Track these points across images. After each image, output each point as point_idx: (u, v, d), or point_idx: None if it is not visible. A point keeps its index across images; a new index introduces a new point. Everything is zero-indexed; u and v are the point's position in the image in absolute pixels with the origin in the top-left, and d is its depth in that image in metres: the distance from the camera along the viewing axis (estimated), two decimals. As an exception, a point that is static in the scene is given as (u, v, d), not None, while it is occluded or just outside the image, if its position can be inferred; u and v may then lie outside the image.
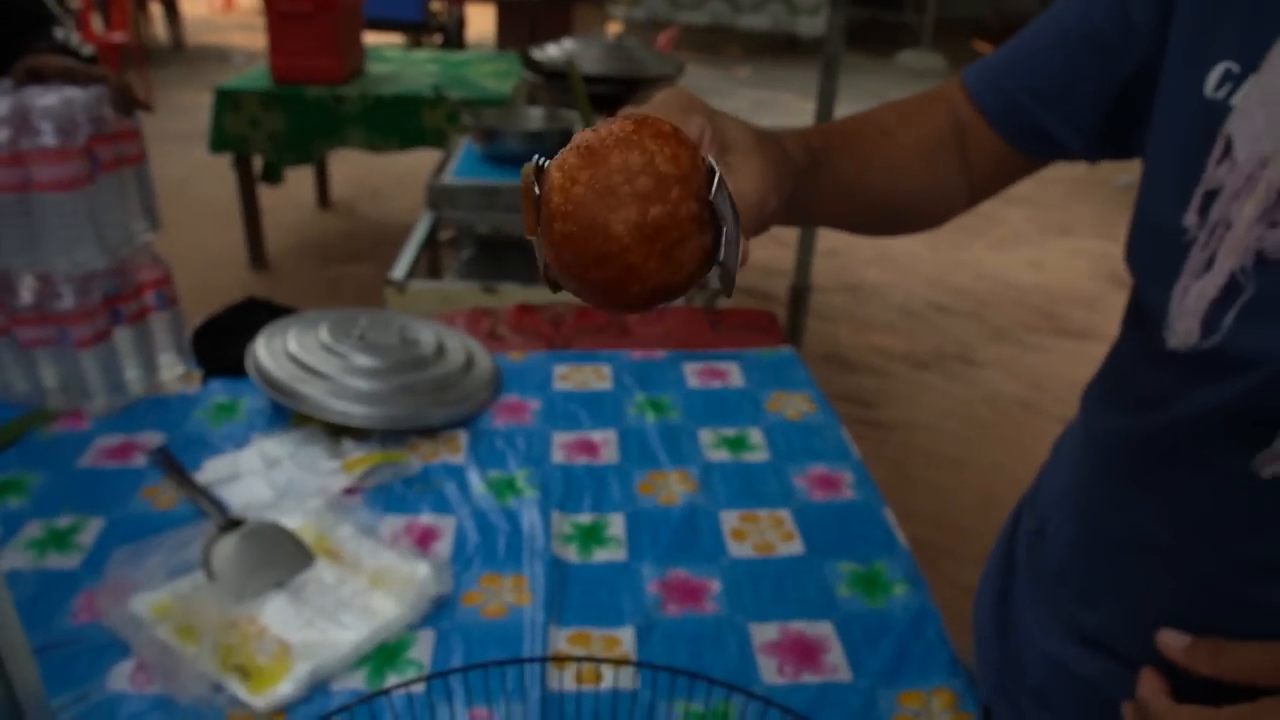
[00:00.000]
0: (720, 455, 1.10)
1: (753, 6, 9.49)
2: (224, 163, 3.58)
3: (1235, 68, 0.53)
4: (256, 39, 8.77)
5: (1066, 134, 0.68)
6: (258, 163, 3.59)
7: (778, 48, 9.94)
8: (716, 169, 0.35)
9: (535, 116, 2.17)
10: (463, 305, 1.51)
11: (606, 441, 1.12)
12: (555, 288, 0.37)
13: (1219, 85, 0.54)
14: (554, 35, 6.28)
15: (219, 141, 3.34)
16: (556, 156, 0.33)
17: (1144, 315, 0.61)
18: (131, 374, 1.19)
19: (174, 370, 1.25)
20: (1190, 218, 0.55)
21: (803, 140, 0.61)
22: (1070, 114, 0.67)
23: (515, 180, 1.57)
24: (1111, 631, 0.65)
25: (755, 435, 1.14)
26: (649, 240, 0.31)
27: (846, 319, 3.52)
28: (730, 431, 1.15)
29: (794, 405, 1.21)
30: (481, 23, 8.36)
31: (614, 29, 8.77)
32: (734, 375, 1.28)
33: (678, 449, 1.11)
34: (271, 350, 1.16)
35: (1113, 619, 0.65)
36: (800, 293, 2.34)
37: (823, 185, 0.64)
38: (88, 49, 1.21)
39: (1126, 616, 0.63)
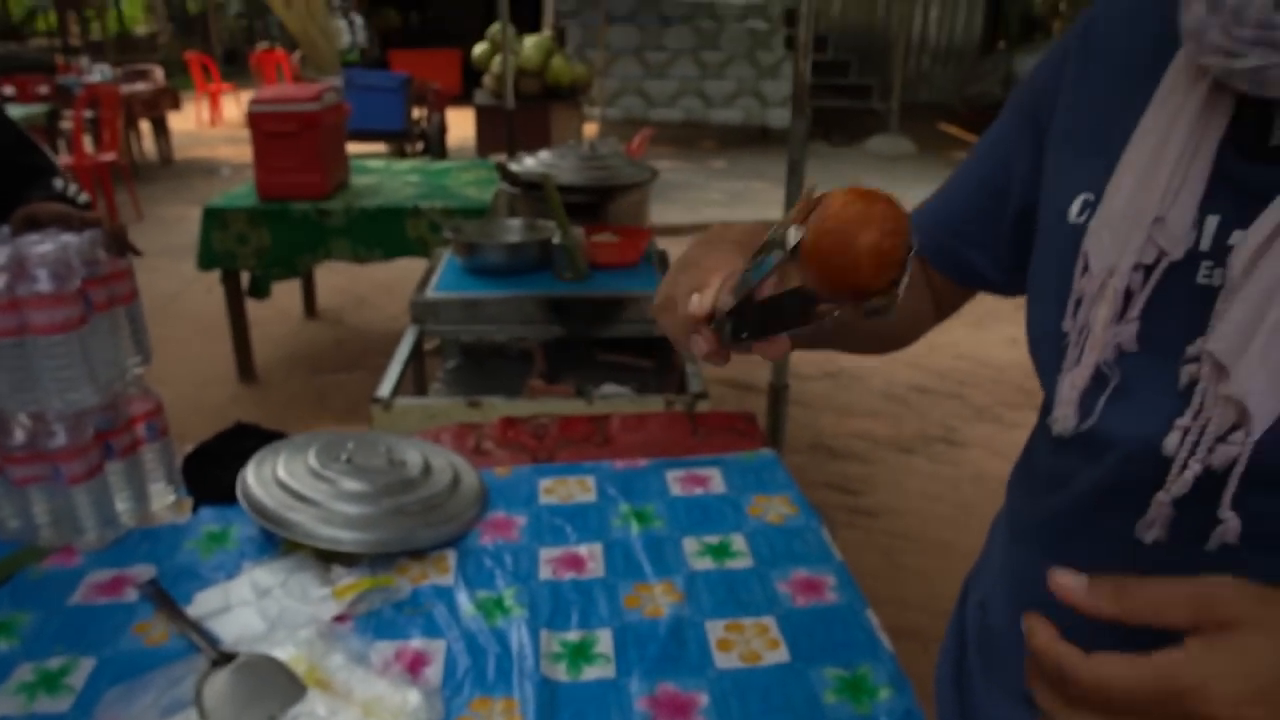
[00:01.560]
0: (704, 564, 1.12)
1: (724, 101, 9.79)
2: (212, 276, 3.64)
3: (1090, 196, 0.66)
4: (244, 151, 8.96)
5: (988, 268, 0.80)
6: (245, 277, 3.65)
7: (750, 139, 10.23)
8: (914, 245, 0.47)
9: (514, 228, 2.24)
10: (448, 420, 1.54)
11: (592, 555, 1.14)
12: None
13: (1080, 212, 0.66)
14: (532, 137, 6.49)
15: (207, 259, 3.41)
16: (839, 190, 0.46)
17: (1045, 408, 0.72)
18: (123, 506, 1.21)
19: (164, 500, 1.26)
20: (1067, 323, 0.65)
21: None
22: (986, 251, 0.79)
23: (496, 292, 1.62)
24: None
25: (738, 541, 1.16)
26: (874, 257, 0.44)
27: (829, 406, 3.56)
28: (713, 539, 1.17)
29: (775, 509, 1.24)
30: (462, 126, 8.59)
31: (590, 128, 9.03)
32: (715, 481, 1.31)
33: (662, 559, 1.13)
34: (261, 478, 1.18)
35: None
36: (779, 390, 2.39)
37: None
38: (84, 196, 1.27)
39: None
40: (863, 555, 2.57)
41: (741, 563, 1.12)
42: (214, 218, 3.36)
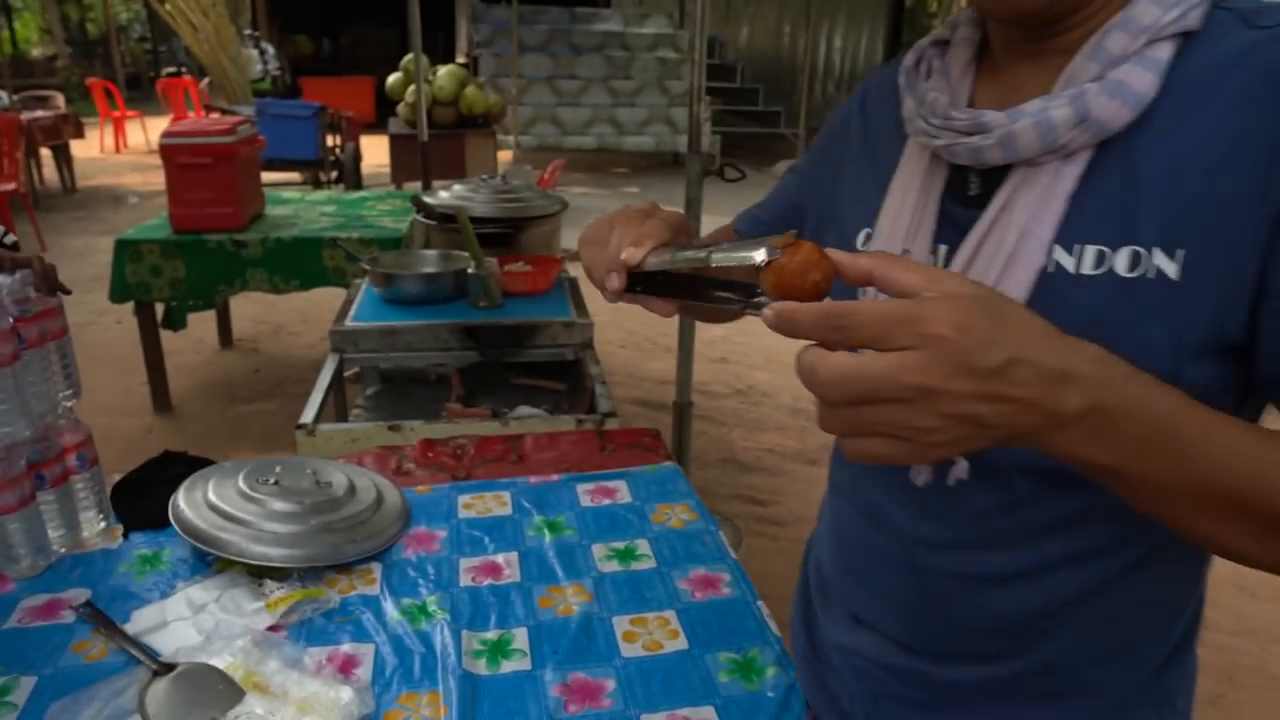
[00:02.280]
0: (611, 566, 1.23)
1: (636, 128, 10.00)
2: (122, 307, 3.61)
3: (869, 230, 0.85)
4: (151, 178, 8.82)
5: None
6: (160, 308, 3.64)
7: (662, 165, 10.46)
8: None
9: (430, 258, 2.33)
10: (371, 444, 1.62)
11: (509, 562, 1.23)
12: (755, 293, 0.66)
13: (863, 243, 0.86)
14: (447, 166, 6.55)
15: (120, 292, 3.39)
16: (807, 242, 0.59)
17: None
18: (55, 534, 1.26)
19: (95, 527, 1.32)
20: None
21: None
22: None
23: (414, 321, 1.72)
24: (870, 613, 0.90)
25: (643, 545, 1.27)
26: (814, 287, 0.58)
27: (740, 422, 3.71)
28: (620, 544, 1.28)
29: (677, 515, 1.35)
30: (377, 154, 8.60)
31: (505, 156, 9.12)
32: (622, 492, 1.42)
33: (573, 563, 1.23)
34: (192, 501, 1.25)
35: (867, 603, 0.90)
36: (683, 408, 2.52)
37: None
38: (10, 237, 1.32)
39: (872, 599, 0.89)
40: (770, 560, 2.70)
41: (645, 564, 1.23)
42: (127, 250, 3.35)
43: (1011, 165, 0.72)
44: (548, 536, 1.30)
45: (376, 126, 9.62)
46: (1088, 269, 0.68)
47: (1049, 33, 0.73)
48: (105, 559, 1.25)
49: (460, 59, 9.66)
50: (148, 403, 3.73)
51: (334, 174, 7.07)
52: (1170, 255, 0.65)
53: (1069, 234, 0.69)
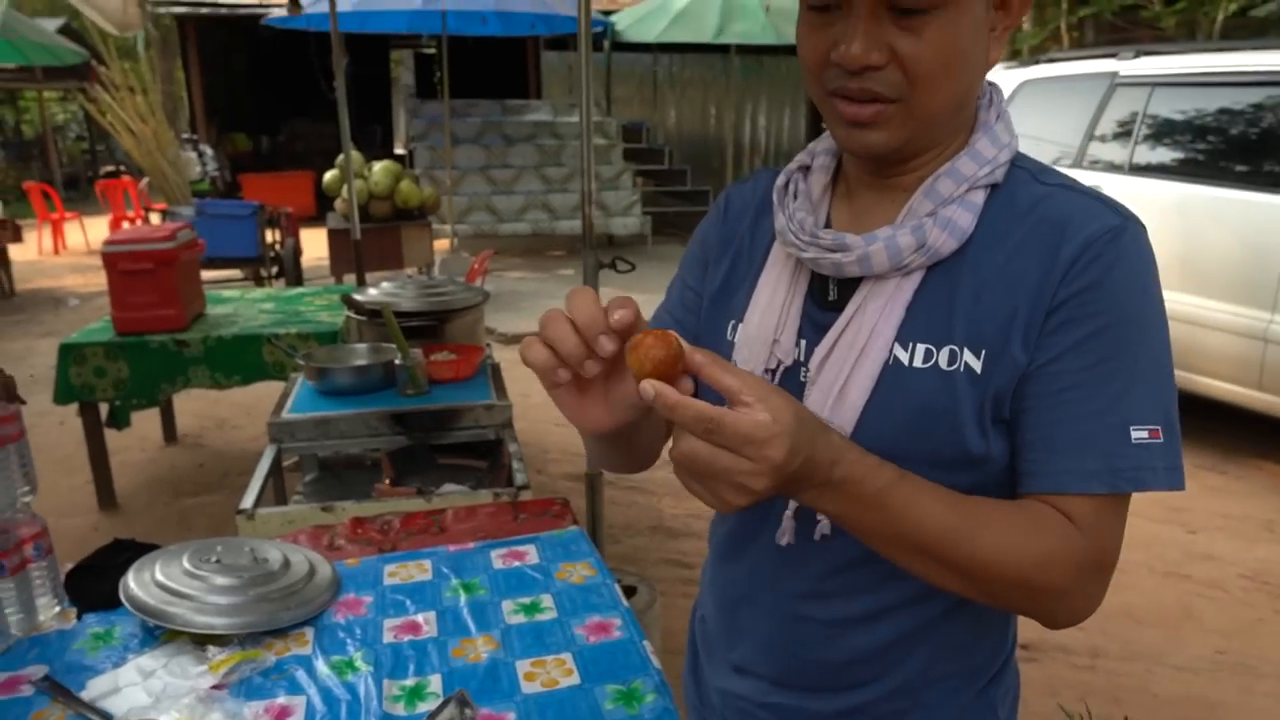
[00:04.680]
0: (518, 619, 1.40)
1: (569, 213, 10.31)
2: (65, 409, 3.71)
3: (736, 323, 1.00)
4: (91, 279, 8.87)
5: None
6: (104, 408, 3.74)
7: (597, 246, 10.73)
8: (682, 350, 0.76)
9: (361, 351, 2.51)
10: (306, 524, 1.78)
11: (427, 621, 1.40)
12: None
13: (731, 333, 1.01)
14: (385, 257, 6.75)
15: (64, 394, 3.51)
16: (656, 334, 0.75)
17: None
18: (13, 619, 1.39)
19: (50, 611, 1.45)
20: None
21: None
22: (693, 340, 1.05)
23: (346, 410, 1.90)
24: (747, 658, 1.05)
25: (546, 600, 1.45)
26: (657, 363, 0.73)
27: (669, 490, 3.91)
28: (526, 599, 1.45)
29: (578, 572, 1.53)
30: (317, 247, 8.77)
31: (442, 244, 9.36)
32: (531, 555, 1.59)
33: (484, 618, 1.40)
34: (141, 581, 1.40)
35: (746, 651, 1.05)
36: (593, 478, 2.71)
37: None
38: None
39: (750, 646, 1.04)
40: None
41: (548, 615, 1.41)
42: (71, 353, 3.47)
43: (863, 278, 0.90)
44: (463, 596, 1.46)
45: (317, 219, 9.82)
46: (919, 362, 0.87)
47: (893, 172, 0.91)
48: (61, 638, 1.38)
49: (399, 149, 9.93)
50: (93, 501, 3.81)
51: (275, 269, 7.23)
52: (976, 354, 0.86)
53: (905, 334, 0.88)
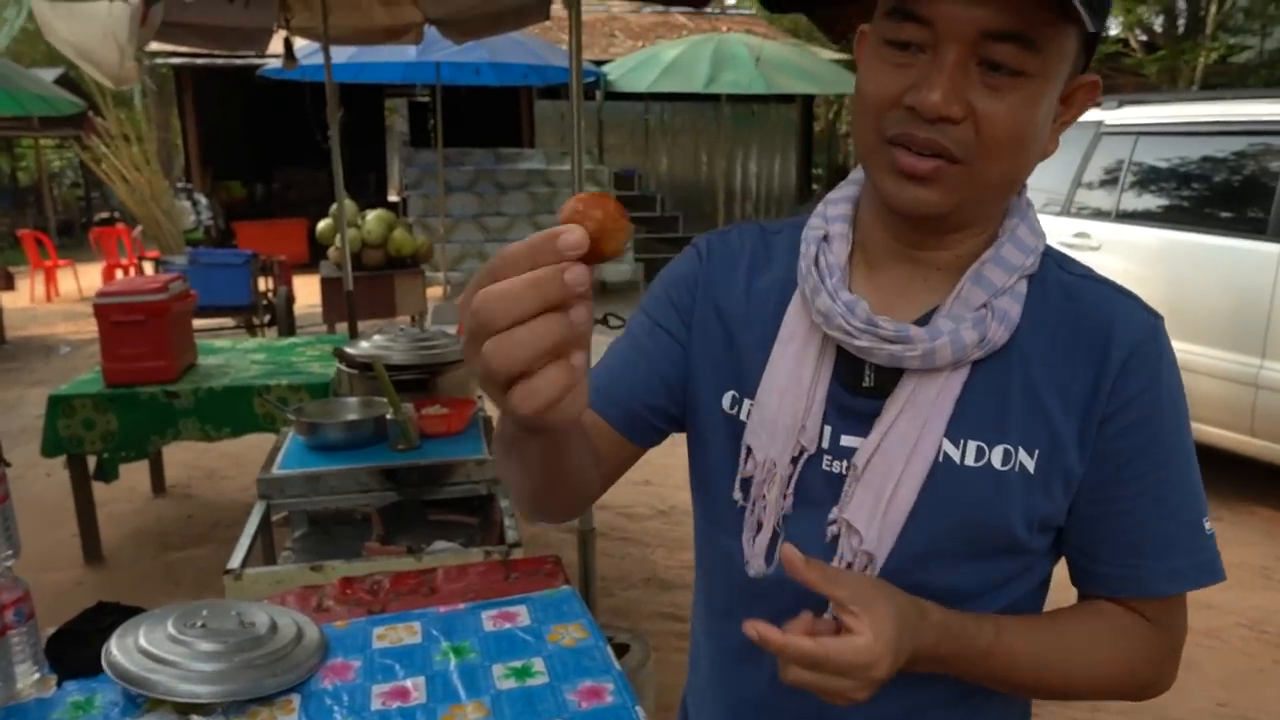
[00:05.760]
0: (509, 684, 1.37)
1: (564, 261, 10.37)
2: (52, 460, 3.67)
3: (736, 394, 0.95)
4: (83, 326, 8.85)
5: (672, 410, 0.99)
6: (92, 460, 3.71)
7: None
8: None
9: (352, 405, 2.50)
10: (294, 585, 1.76)
11: (416, 686, 1.37)
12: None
13: (731, 405, 0.95)
14: (377, 306, 6.75)
15: (52, 447, 3.48)
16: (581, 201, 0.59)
17: (717, 549, 1.00)
18: (-7, 687, 1.37)
19: (30, 678, 1.42)
20: (736, 494, 0.95)
21: None
22: (671, 396, 0.99)
23: (336, 465, 1.89)
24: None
25: (538, 664, 1.43)
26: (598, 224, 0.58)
27: (662, 542, 3.88)
28: (517, 663, 1.43)
29: (570, 634, 1.51)
30: (311, 294, 8.78)
31: (435, 292, 9.38)
32: (522, 616, 1.57)
33: (474, 683, 1.38)
34: (124, 647, 1.37)
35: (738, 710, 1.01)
36: (585, 534, 2.69)
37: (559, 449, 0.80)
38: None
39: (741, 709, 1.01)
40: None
41: (539, 680, 1.38)
42: (59, 405, 3.45)
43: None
44: (453, 660, 1.44)
45: (310, 266, 9.84)
46: (970, 461, 0.84)
47: (927, 244, 0.87)
48: (39, 707, 1.35)
49: (393, 196, 10.00)
50: (79, 554, 3.76)
51: (267, 318, 7.23)
52: (1030, 454, 0.84)
53: (956, 430, 0.84)
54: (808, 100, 14.04)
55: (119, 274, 9.95)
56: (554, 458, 0.79)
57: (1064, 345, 0.86)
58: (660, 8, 14.66)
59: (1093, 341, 0.85)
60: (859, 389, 0.89)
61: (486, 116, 13.23)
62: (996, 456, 0.84)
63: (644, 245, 11.13)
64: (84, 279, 11.37)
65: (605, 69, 10.08)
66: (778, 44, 10.15)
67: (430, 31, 4.81)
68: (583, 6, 2.62)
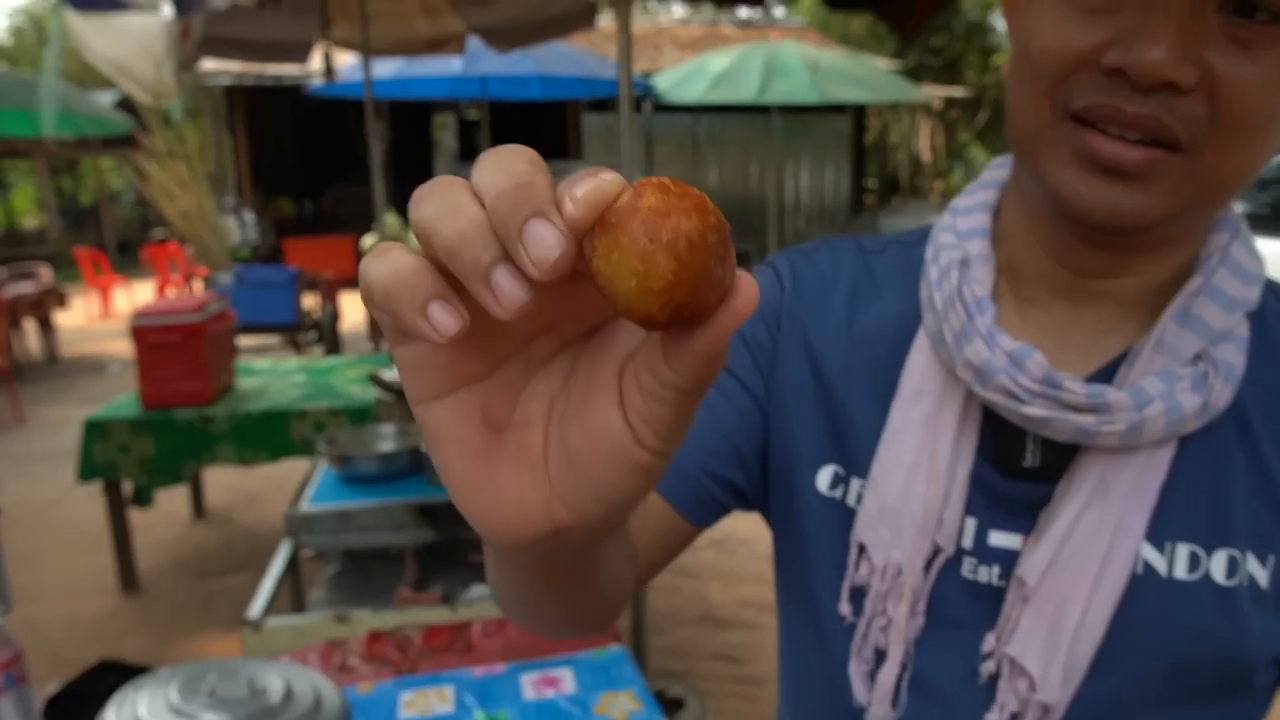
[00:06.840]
0: (550, 768, 1.20)
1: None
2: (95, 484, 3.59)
3: (840, 470, 0.70)
4: (133, 346, 8.91)
5: (740, 492, 0.74)
6: (129, 485, 3.62)
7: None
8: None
9: (387, 434, 2.35)
10: (318, 637, 1.60)
11: (445, 768, 1.21)
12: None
13: (831, 485, 0.70)
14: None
15: (87, 471, 3.39)
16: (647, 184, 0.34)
17: (814, 675, 0.75)
18: (-20, 760, 1.23)
19: (24, 747, 1.28)
20: (844, 607, 0.70)
21: None
22: (745, 467, 0.74)
23: (369, 501, 1.71)
24: None
25: (584, 742, 1.25)
26: (683, 263, 0.32)
27: (715, 575, 3.67)
28: (560, 742, 1.25)
29: (620, 705, 1.33)
30: (357, 310, 8.74)
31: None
32: (566, 681, 1.39)
33: (511, 767, 1.20)
34: (121, 717, 1.22)
35: None
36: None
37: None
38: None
39: None
40: (748, 725, 2.63)
41: (585, 764, 1.20)
42: (95, 430, 3.36)
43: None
44: (487, 736, 1.27)
45: (357, 282, 9.81)
46: (1181, 572, 0.61)
47: (1113, 270, 0.64)
48: (31, 785, 1.21)
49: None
50: (115, 582, 3.66)
51: (314, 335, 7.17)
52: (1263, 560, 0.61)
53: (1160, 531, 0.62)
54: (859, 110, 13.79)
55: (169, 291, 10.03)
56: (577, 576, 0.49)
57: None
58: (709, 20, 14.55)
59: None
60: (1017, 470, 0.66)
61: (534, 130, 13.18)
62: (1218, 566, 0.61)
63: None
64: (138, 297, 11.50)
65: (654, 79, 9.95)
66: (832, 52, 9.94)
67: (476, 44, 4.70)
68: (630, 18, 2.46)
